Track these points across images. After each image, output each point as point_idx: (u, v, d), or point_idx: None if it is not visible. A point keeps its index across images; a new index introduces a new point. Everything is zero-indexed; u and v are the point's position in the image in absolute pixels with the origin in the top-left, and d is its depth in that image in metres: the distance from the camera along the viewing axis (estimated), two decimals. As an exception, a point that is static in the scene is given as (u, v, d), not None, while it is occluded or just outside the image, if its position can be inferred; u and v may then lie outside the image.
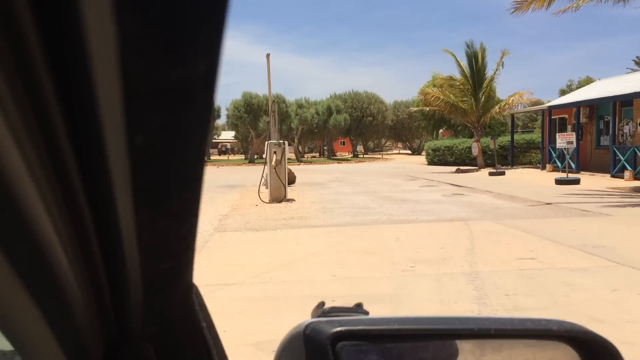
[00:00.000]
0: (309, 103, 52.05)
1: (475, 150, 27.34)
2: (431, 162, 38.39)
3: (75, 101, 0.32)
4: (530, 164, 29.09)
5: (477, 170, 27.26)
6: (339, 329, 0.58)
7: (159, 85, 0.31)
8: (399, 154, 72.47)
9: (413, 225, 9.86)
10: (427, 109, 29.32)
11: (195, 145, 0.35)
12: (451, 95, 27.24)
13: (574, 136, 18.27)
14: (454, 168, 30.31)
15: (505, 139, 31.58)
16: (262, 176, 21.79)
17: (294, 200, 14.78)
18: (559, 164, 22.74)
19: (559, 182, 17.81)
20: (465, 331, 0.67)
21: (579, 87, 47.59)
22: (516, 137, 32.77)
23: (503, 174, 23.41)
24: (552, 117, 25.83)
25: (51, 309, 0.39)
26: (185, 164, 0.36)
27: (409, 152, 73.19)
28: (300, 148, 53.34)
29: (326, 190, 18.06)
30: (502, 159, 28.61)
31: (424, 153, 65.66)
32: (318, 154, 64.63)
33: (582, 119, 23.02)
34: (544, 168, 24.63)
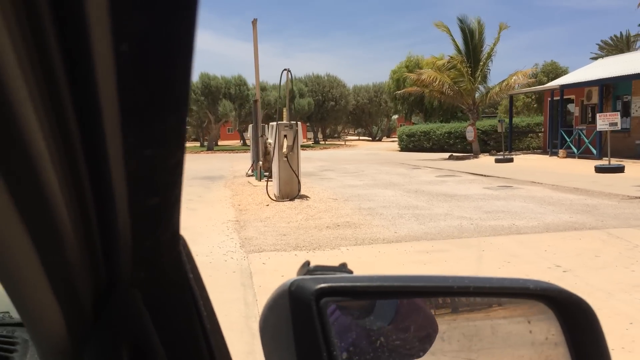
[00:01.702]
0: (270, 86, 48.45)
1: (470, 135, 24.81)
2: (405, 149, 35.80)
3: (67, 17, 0.32)
4: (528, 149, 26.84)
5: (473, 157, 24.75)
6: (322, 285, 0.59)
7: None
8: (359, 140, 69.70)
9: (529, 237, 6.97)
10: (421, 91, 26.44)
11: (180, 61, 0.35)
12: (445, 76, 24.52)
13: (618, 117, 15.85)
14: (440, 155, 27.79)
15: (486, 123, 29.30)
16: (252, 165, 18.58)
17: (307, 196, 11.65)
18: (575, 150, 20.47)
19: (600, 170, 15.39)
20: (445, 289, 0.68)
21: (544, 71, 46.12)
22: (494, 122, 30.61)
23: (511, 160, 20.94)
24: (555, 98, 23.57)
25: (42, 241, 0.39)
26: (170, 82, 0.36)
27: (369, 138, 70.68)
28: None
29: (332, 183, 14.99)
30: (483, 145, 26.25)
31: (393, 139, 64.04)
32: (277, 140, 61.22)
33: (597, 100, 20.78)
34: (549, 154, 22.32)
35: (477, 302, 0.76)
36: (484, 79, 25.60)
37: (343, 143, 59.35)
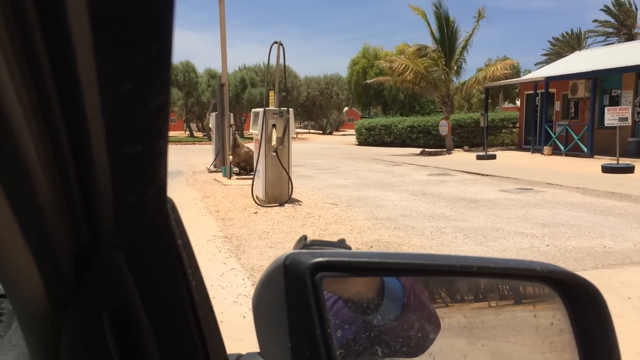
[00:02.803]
0: (220, 75, 45.66)
1: (444, 130, 23.12)
2: (364, 143, 34.00)
3: None
4: (502, 145, 25.47)
5: (447, 152, 23.14)
6: (318, 259, 0.56)
7: None
8: (309, 133, 67.43)
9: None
10: (391, 80, 24.51)
11: None
12: (419, 64, 22.73)
13: (629, 111, 14.44)
14: (407, 150, 26.11)
15: (457, 117, 27.78)
16: (215, 159, 16.16)
17: (299, 200, 9.49)
18: (562, 147, 19.12)
19: (608, 169, 13.95)
20: (448, 267, 0.63)
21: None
22: (466, 115, 29.20)
23: (494, 157, 19.37)
24: (533, 91, 22.25)
25: (15, 195, 0.37)
26: (148, 3, 0.33)
27: (319, 131, 68.63)
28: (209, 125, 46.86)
29: (314, 182, 12.86)
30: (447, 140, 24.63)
31: (343, 132, 62.05)
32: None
33: (585, 93, 19.51)
34: (531, 151, 20.95)
35: (481, 285, 0.72)
36: (459, 69, 23.99)
37: (295, 136, 57.12)
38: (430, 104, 42.43)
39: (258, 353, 0.62)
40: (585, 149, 17.99)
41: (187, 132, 46.94)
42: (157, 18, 0.33)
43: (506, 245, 6.11)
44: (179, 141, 38.42)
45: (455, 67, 23.56)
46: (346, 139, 44.19)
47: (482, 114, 20.42)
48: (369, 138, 33.51)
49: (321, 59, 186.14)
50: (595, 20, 49.25)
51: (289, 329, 0.54)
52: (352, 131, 74.99)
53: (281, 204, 9.07)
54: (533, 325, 0.71)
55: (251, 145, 15.08)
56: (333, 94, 62.05)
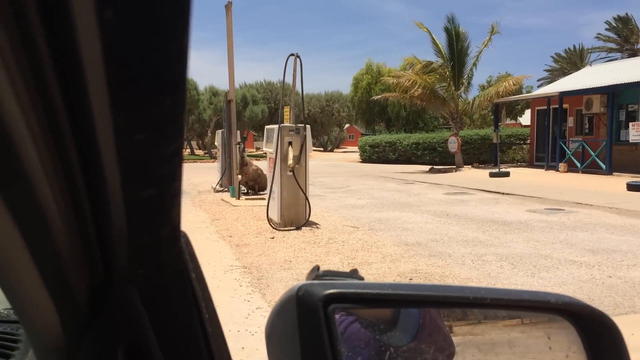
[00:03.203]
0: (221, 91, 45.01)
1: (453, 146, 22.48)
2: (368, 160, 33.38)
3: None
4: (512, 162, 24.83)
5: (455, 169, 22.50)
6: (331, 291, 0.56)
7: None
8: (312, 150, 66.86)
9: None
10: (399, 96, 23.91)
11: (174, 32, 0.32)
12: (427, 80, 22.16)
13: (657, 126, 13.82)
14: (413, 167, 25.48)
15: (464, 133, 27.15)
16: (221, 178, 15.51)
17: (316, 223, 8.81)
18: (578, 164, 18.49)
19: (633, 187, 13.29)
20: (461, 299, 0.63)
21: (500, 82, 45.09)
22: (472, 132, 28.64)
23: (507, 174, 18.71)
24: (543, 107, 21.69)
25: (33, 234, 0.38)
26: (163, 58, 0.33)
27: (321, 149, 68.09)
28: (211, 143, 46.08)
29: (327, 202, 12.25)
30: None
31: (344, 150, 61.28)
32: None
33: (601, 109, 18.94)
34: (545, 168, 20.30)
35: (494, 314, 0.71)
36: (468, 85, 23.43)
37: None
38: (434, 120, 41.90)
39: None
40: (603, 166, 17.35)
41: (188, 150, 46.32)
42: (172, 74, 0.34)
43: (563, 277, 5.42)
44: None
45: (465, 83, 22.99)
46: (348, 156, 43.62)
47: (494, 130, 19.81)
48: (373, 155, 32.89)
49: (319, 77, 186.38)
50: (598, 35, 48.88)
51: None
52: (353, 148, 74.52)
53: (298, 228, 8.39)
54: (548, 358, 0.70)
55: (260, 164, 14.44)
56: (334, 111, 61.71)
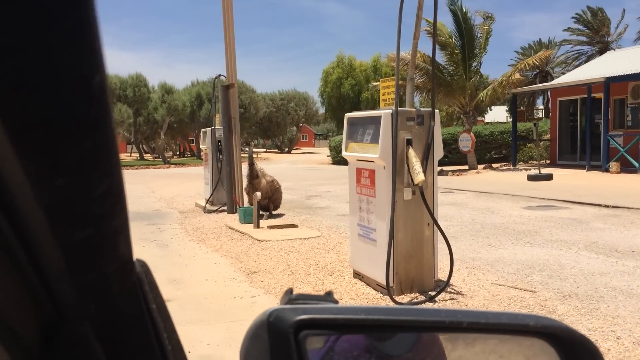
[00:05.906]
0: (177, 90, 40.16)
1: (467, 144, 19.12)
2: (340, 162, 29.81)
3: None
4: (532, 159, 21.61)
5: (474, 171, 19.15)
6: (302, 317, 0.55)
7: None
8: (266, 152, 62.52)
9: None
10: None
11: (83, 65, 0.29)
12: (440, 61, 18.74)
13: None
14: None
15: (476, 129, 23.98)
16: (213, 191, 11.46)
17: (452, 286, 5.05)
18: (636, 163, 15.46)
19: None
20: (436, 323, 0.61)
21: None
22: (480, 126, 25.52)
23: (550, 178, 15.46)
24: (566, 97, 18.69)
25: None
26: (73, 102, 0.31)
27: (277, 150, 63.97)
28: (164, 146, 41.11)
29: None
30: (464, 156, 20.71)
31: (297, 150, 57.22)
32: (177, 153, 52.40)
33: (636, 99, 16.01)
34: (560, 166, 17.21)
35: (472, 336, 0.70)
36: (478, 71, 20.14)
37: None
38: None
39: None
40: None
41: (137, 155, 41.34)
42: (87, 115, 0.32)
43: None
44: (129, 165, 32.77)
45: (476, 69, 19.69)
46: (312, 158, 40.01)
47: (534, 125, 16.48)
48: (349, 156, 29.24)
49: (264, 77, 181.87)
50: (568, 29, 47.04)
51: None
52: (308, 149, 70.56)
53: (429, 297, 4.61)
54: None
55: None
56: (290, 109, 57.97)
